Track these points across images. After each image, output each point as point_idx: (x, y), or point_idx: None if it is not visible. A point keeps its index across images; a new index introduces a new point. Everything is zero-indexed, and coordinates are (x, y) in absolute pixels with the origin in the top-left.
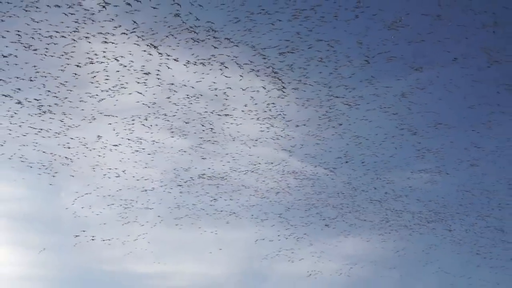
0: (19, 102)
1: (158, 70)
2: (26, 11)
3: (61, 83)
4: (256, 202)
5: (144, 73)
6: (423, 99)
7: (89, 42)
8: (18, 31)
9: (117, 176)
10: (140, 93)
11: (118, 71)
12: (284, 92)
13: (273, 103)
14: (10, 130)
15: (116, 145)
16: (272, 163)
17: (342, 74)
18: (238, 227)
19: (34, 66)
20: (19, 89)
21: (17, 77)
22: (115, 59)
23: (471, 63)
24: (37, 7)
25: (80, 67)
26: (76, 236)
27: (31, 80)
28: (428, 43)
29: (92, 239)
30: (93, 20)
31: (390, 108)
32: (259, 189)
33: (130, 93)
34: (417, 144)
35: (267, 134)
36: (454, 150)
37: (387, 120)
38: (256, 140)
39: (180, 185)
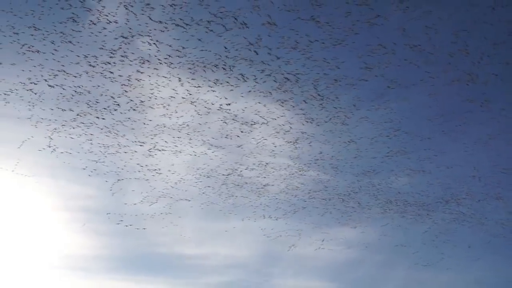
0: (79, 115)
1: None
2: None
3: (120, 105)
4: (273, 199)
5: (186, 99)
6: (397, 114)
7: (149, 74)
8: (87, 58)
9: (157, 174)
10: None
11: (165, 98)
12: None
13: (281, 116)
14: (78, 144)
15: (164, 151)
16: (285, 169)
17: (336, 95)
18: (259, 219)
19: (99, 94)
20: (90, 107)
21: (80, 97)
22: (166, 87)
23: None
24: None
25: (133, 87)
26: (117, 224)
27: (97, 102)
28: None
29: (144, 229)
30: (149, 59)
31: (369, 119)
32: (275, 189)
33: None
34: (402, 149)
35: (282, 146)
36: (428, 153)
37: (370, 131)
38: (274, 151)
39: (214, 186)
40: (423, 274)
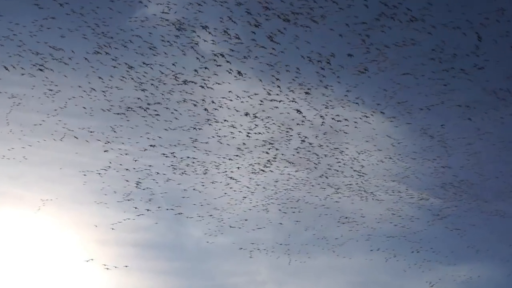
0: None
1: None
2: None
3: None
4: (367, 228)
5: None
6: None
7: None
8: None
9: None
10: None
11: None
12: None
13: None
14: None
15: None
16: (385, 191)
17: None
18: (349, 253)
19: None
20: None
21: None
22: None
23: None
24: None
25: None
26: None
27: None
28: None
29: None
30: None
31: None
32: (371, 216)
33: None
34: None
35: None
36: None
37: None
38: (369, 169)
39: (291, 213)
40: None
